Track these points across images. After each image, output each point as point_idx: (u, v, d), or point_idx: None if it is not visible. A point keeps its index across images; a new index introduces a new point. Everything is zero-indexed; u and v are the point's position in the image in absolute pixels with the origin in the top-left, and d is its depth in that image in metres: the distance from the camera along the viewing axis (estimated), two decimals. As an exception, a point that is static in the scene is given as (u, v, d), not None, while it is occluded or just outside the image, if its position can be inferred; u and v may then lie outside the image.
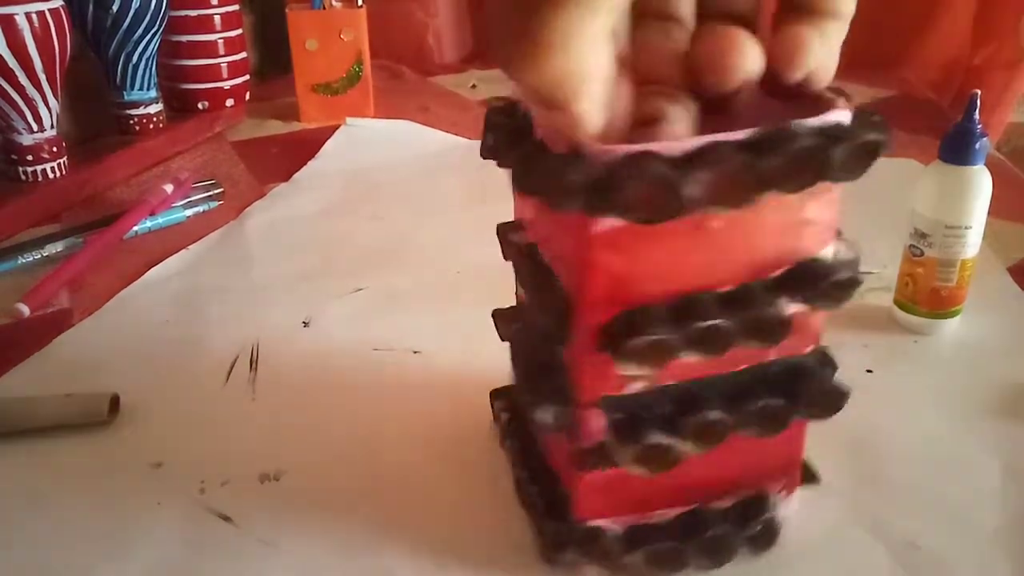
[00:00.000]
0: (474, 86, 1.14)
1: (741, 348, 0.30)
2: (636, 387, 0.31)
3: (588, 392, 0.31)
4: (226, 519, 0.39)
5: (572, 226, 0.29)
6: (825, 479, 0.41)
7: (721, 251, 0.30)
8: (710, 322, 0.30)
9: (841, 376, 0.33)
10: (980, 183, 0.49)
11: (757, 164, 0.27)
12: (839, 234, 0.32)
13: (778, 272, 0.31)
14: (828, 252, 0.31)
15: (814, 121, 0.28)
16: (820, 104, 0.29)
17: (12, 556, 0.37)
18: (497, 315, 0.39)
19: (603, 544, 0.34)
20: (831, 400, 0.33)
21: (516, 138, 0.31)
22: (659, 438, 0.31)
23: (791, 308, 0.31)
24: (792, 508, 0.37)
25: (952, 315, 0.53)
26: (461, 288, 0.60)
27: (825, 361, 0.34)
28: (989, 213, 0.50)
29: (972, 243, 0.50)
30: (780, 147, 0.27)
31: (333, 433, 0.45)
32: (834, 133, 0.28)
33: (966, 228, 0.50)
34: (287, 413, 0.47)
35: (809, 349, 0.33)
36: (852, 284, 0.31)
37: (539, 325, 0.34)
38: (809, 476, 0.38)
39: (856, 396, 0.47)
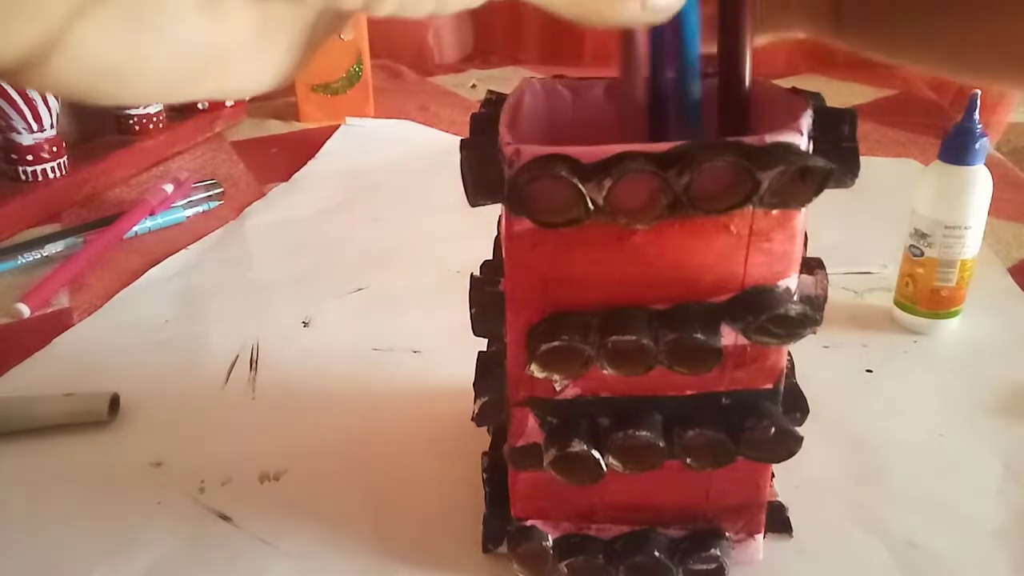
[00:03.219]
0: (474, 86, 1.14)
1: (669, 372, 0.29)
2: (568, 394, 0.31)
3: (520, 391, 0.31)
4: (226, 519, 0.39)
5: (505, 225, 0.29)
6: (825, 479, 0.41)
7: (651, 267, 0.29)
8: (628, 337, 0.28)
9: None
10: (980, 183, 0.49)
11: (670, 179, 0.26)
12: (810, 267, 0.30)
13: (721, 298, 0.29)
14: (783, 284, 0.29)
15: (751, 139, 0.26)
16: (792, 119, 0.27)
17: (12, 556, 0.37)
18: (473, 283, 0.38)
19: (534, 545, 0.34)
20: (779, 444, 0.31)
21: (477, 134, 0.31)
22: (580, 448, 0.30)
23: (729, 338, 0.29)
24: (754, 555, 0.35)
25: (952, 315, 0.53)
26: (461, 288, 0.60)
27: (779, 401, 0.31)
28: (989, 213, 0.50)
29: (972, 243, 0.50)
30: (697, 164, 0.26)
31: (333, 433, 0.45)
32: (767, 155, 0.26)
33: (966, 228, 0.50)
34: (287, 413, 0.47)
35: (767, 385, 0.31)
36: (803, 322, 0.29)
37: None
38: (781, 525, 0.37)
39: (856, 396, 0.48)
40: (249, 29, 0.17)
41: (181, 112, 0.97)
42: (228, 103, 1.00)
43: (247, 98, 0.24)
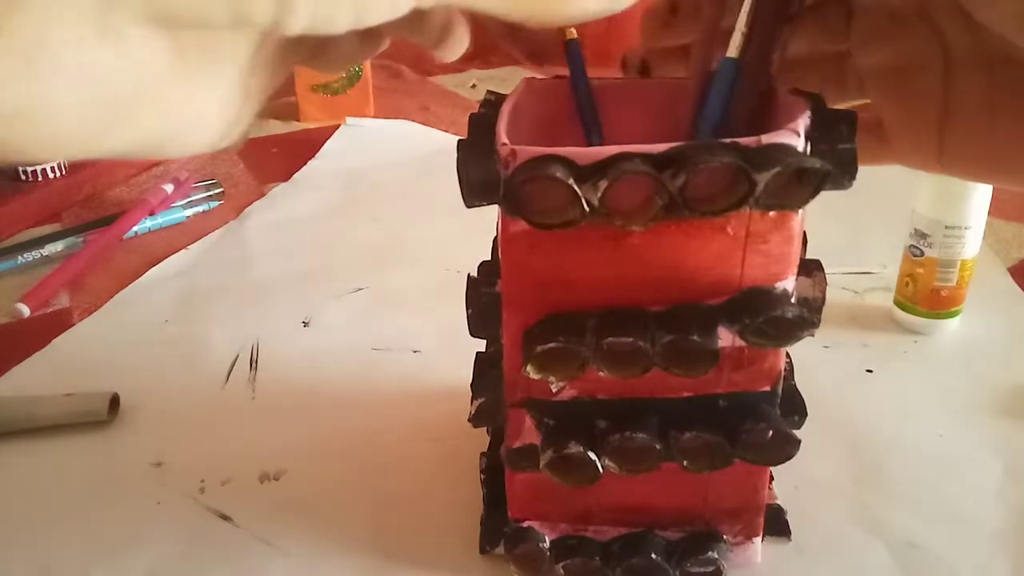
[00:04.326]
0: (474, 86, 1.14)
1: (665, 374, 0.29)
2: (565, 395, 0.31)
3: (516, 393, 0.31)
4: (226, 519, 0.39)
5: (501, 227, 0.29)
6: (825, 479, 0.41)
7: (647, 269, 0.29)
8: (624, 339, 0.28)
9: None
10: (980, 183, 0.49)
11: (665, 181, 0.26)
12: (808, 268, 0.30)
13: (717, 300, 0.29)
14: (781, 286, 0.29)
15: (747, 140, 0.26)
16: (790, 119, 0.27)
17: (12, 556, 0.37)
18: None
19: (531, 546, 0.34)
20: (777, 447, 0.31)
21: (475, 135, 0.31)
22: (576, 449, 0.30)
23: (726, 340, 0.29)
24: (753, 558, 0.35)
25: (952, 315, 0.53)
26: (461, 288, 0.60)
27: (776, 403, 0.31)
28: (989, 213, 0.50)
29: (972, 243, 0.50)
30: (692, 166, 0.26)
31: (333, 433, 0.45)
32: (763, 156, 0.26)
33: (966, 228, 0.50)
34: (287, 413, 0.47)
35: (765, 388, 0.31)
36: (800, 324, 0.28)
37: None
38: (779, 528, 0.37)
39: (856, 396, 0.48)
40: (160, 59, 0.16)
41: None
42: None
43: (204, 149, 0.22)
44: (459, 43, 0.25)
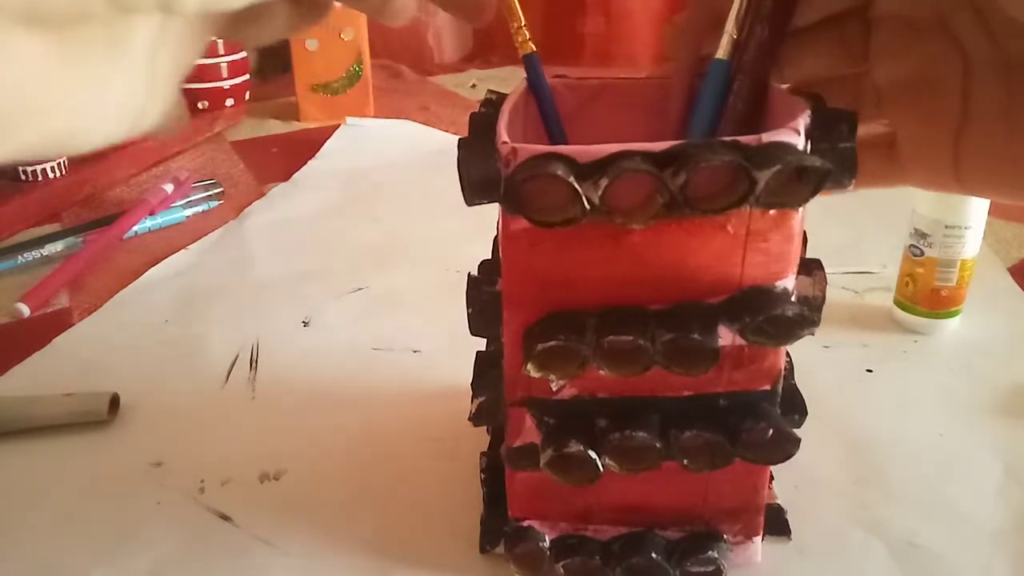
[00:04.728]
0: (474, 86, 1.14)
1: (666, 372, 0.29)
2: (565, 394, 0.31)
3: (517, 391, 0.32)
4: (226, 519, 0.39)
5: (502, 225, 0.29)
6: (825, 479, 0.41)
7: (647, 267, 0.29)
8: (625, 337, 0.28)
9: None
10: (980, 183, 0.49)
11: (666, 179, 0.26)
12: (808, 267, 0.30)
13: (718, 299, 0.29)
14: (781, 285, 0.29)
15: (747, 139, 0.26)
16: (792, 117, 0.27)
17: (12, 556, 0.37)
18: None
19: (531, 546, 0.34)
20: (777, 446, 0.31)
21: (475, 134, 0.31)
22: (576, 448, 0.30)
23: (726, 338, 0.29)
24: (753, 557, 0.35)
25: (952, 315, 0.53)
26: (461, 288, 0.60)
27: (776, 402, 0.31)
28: (989, 213, 0.50)
29: (972, 243, 0.50)
30: (693, 164, 0.26)
31: (333, 432, 0.45)
32: (764, 154, 0.26)
33: (966, 228, 0.50)
34: (287, 413, 0.47)
35: (765, 387, 0.31)
36: (800, 323, 0.28)
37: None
38: (779, 528, 0.37)
39: (856, 396, 0.48)
40: (48, 59, 0.15)
41: (181, 112, 0.97)
42: (228, 102, 1.00)
43: (116, 139, 0.21)
44: (403, 8, 0.24)
